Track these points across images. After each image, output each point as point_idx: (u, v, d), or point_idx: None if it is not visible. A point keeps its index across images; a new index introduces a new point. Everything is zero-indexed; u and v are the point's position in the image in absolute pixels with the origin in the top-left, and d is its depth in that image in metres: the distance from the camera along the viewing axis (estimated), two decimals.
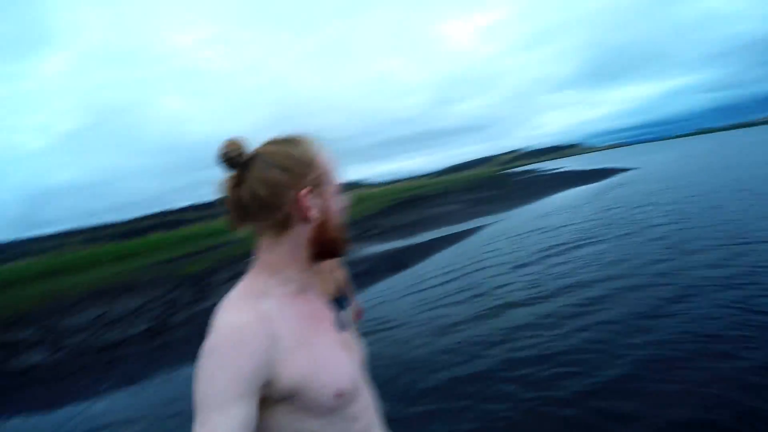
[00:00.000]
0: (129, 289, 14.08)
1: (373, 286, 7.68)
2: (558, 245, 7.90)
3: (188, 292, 10.97)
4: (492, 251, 8.48)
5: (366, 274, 8.67)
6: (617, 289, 4.91)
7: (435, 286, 6.76)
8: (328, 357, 0.79)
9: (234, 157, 0.77)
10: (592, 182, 21.81)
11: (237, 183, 0.79)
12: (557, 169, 51.43)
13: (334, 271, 2.84)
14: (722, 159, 23.48)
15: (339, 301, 2.76)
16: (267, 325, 0.72)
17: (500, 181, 43.55)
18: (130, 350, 6.77)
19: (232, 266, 13.82)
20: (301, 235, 0.80)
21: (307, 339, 0.77)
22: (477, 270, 7.26)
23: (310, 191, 0.79)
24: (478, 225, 12.84)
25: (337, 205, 0.85)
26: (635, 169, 26.69)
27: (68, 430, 4.27)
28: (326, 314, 0.88)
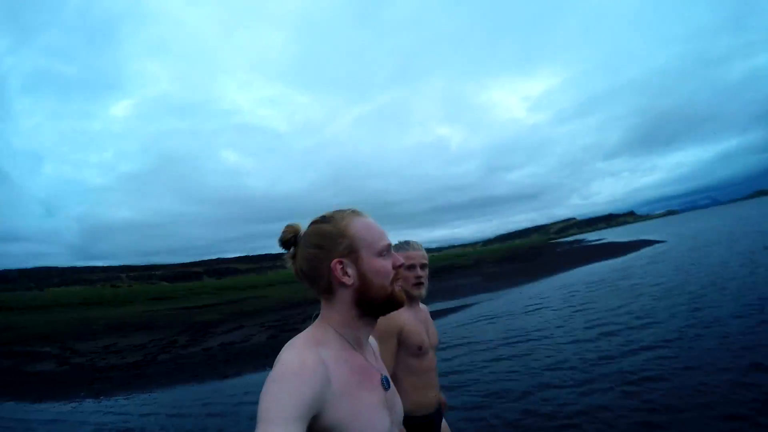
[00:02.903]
0: (145, 327, 15.88)
1: None
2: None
3: (187, 337, 12.48)
4: None
5: None
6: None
7: None
8: (366, 412, 0.86)
9: (287, 240, 0.96)
10: (619, 256, 21.31)
11: (293, 259, 0.96)
12: (599, 240, 50.43)
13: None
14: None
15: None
16: (322, 368, 0.85)
17: (536, 252, 41.72)
18: (114, 374, 8.25)
19: (237, 320, 15.32)
20: (345, 298, 0.91)
21: (352, 391, 0.86)
22: None
23: (340, 261, 0.89)
24: (467, 304, 12.52)
25: (378, 264, 0.91)
26: (662, 242, 26.16)
27: (42, 419, 5.73)
28: (375, 372, 0.94)
